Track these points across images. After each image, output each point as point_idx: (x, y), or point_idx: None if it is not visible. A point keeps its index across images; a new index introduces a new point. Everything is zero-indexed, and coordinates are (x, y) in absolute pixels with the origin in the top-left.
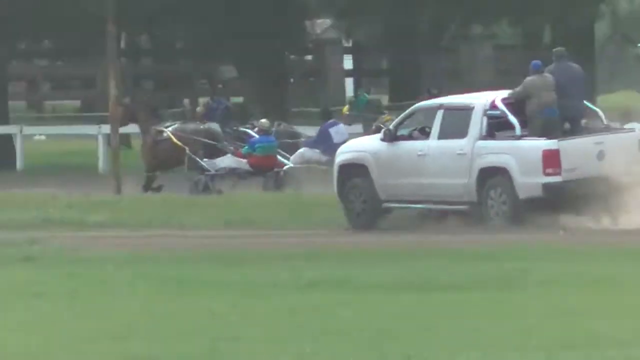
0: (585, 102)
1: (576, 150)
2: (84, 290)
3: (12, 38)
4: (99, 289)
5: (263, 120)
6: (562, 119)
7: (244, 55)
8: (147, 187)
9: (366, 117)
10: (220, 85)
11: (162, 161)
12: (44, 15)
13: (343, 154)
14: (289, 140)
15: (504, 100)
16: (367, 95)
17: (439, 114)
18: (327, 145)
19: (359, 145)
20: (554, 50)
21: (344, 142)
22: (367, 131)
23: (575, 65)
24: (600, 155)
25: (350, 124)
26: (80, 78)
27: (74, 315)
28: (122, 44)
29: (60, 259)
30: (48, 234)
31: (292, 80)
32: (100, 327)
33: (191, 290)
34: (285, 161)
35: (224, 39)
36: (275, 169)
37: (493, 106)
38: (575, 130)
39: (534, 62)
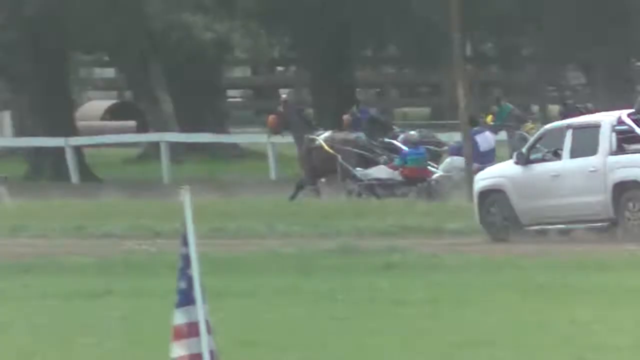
0: None
1: None
2: (445, 297)
3: (359, 45)
4: (459, 296)
5: (412, 132)
6: None
7: (591, 61)
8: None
9: (509, 126)
10: (567, 92)
11: (316, 169)
12: (390, 22)
13: (481, 180)
14: (435, 148)
15: (630, 115)
16: (509, 105)
17: (568, 134)
18: (474, 153)
19: (496, 171)
20: None
21: (491, 150)
22: (512, 139)
23: None
24: None
25: (496, 134)
26: (428, 85)
27: (435, 322)
28: (468, 51)
29: (420, 266)
30: (407, 241)
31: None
32: (463, 333)
33: (553, 296)
34: (435, 170)
35: (571, 44)
36: (427, 179)
37: (620, 122)
38: None
39: None
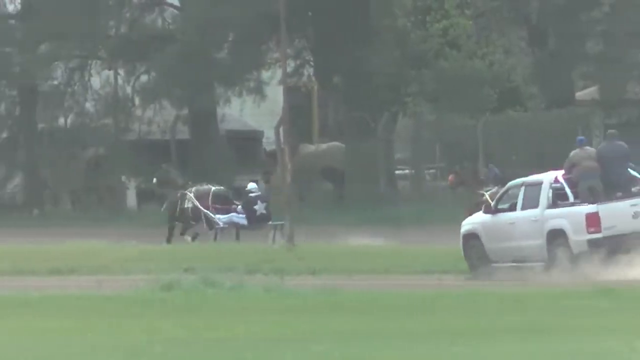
0: (627, 171)
1: (614, 212)
2: None
3: None
4: None
5: None
6: (605, 185)
7: None
8: None
9: None
10: None
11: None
12: None
13: (465, 225)
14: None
15: (563, 175)
16: None
17: (522, 189)
18: None
19: (474, 219)
20: (607, 132)
21: None
22: None
23: (621, 144)
24: (636, 215)
25: None
26: None
27: None
28: None
29: None
30: None
31: None
32: None
33: None
34: None
35: None
36: None
37: (556, 181)
38: (616, 194)
39: (579, 138)
